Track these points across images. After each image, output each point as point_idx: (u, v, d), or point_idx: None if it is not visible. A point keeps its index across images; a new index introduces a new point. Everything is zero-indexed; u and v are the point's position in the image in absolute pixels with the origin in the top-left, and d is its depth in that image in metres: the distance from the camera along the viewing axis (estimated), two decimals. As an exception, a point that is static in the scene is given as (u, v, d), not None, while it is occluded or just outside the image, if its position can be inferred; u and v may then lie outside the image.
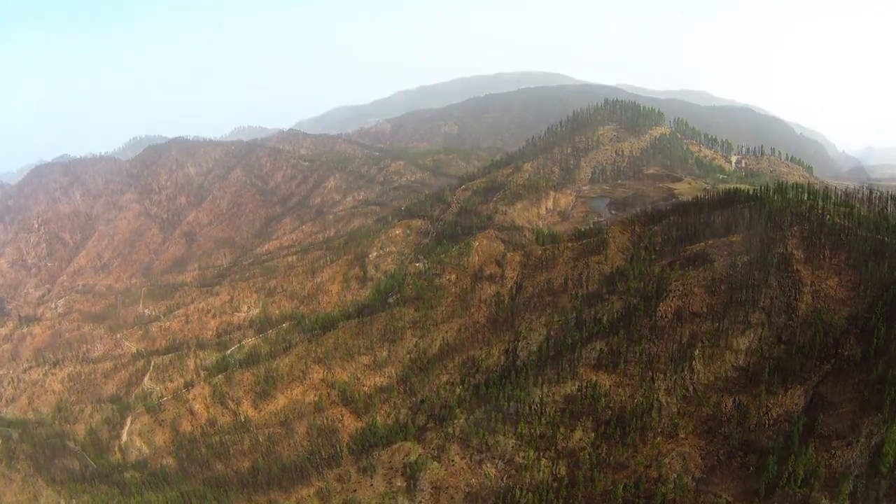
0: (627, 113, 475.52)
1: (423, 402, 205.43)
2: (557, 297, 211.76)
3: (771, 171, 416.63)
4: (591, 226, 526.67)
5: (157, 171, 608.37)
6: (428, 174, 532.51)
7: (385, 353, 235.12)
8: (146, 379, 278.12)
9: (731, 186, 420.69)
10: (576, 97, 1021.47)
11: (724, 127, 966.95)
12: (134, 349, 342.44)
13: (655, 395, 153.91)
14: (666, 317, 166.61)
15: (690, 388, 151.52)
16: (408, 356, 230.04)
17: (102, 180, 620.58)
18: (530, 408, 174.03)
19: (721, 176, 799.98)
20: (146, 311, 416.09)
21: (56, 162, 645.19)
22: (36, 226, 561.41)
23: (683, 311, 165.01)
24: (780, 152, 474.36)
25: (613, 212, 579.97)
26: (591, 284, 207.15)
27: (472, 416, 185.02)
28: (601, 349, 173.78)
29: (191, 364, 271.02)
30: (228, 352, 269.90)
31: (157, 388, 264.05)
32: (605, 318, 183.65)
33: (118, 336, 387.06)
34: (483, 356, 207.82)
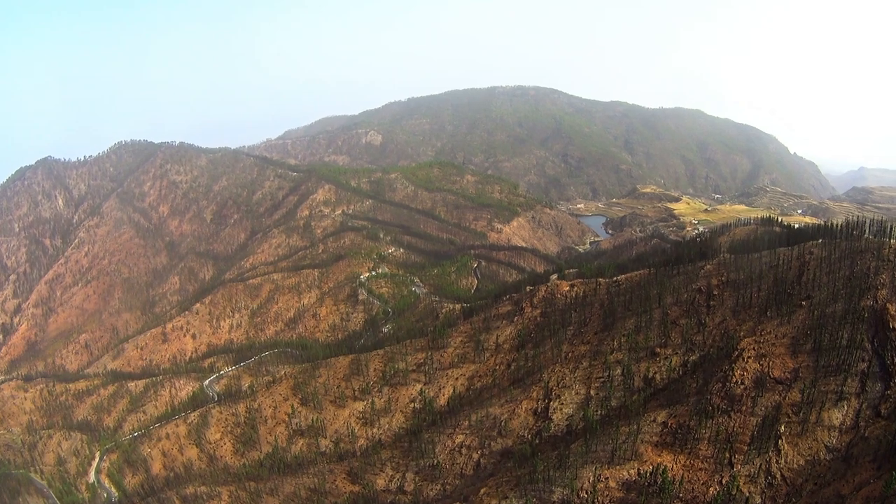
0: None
1: (435, 468, 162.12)
2: (595, 347, 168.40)
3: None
4: (589, 245, 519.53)
5: (141, 177, 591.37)
6: (421, 189, 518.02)
7: (384, 401, 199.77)
8: (119, 406, 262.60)
9: (785, 219, 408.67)
10: (570, 113, 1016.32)
11: (721, 145, 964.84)
12: (109, 367, 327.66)
13: (736, 484, 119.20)
14: (743, 383, 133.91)
15: (777, 475, 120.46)
16: (411, 405, 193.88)
17: (85, 185, 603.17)
18: (579, 496, 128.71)
19: (716, 196, 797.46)
20: (123, 325, 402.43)
21: (40, 164, 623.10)
22: (17, 230, 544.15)
23: (764, 376, 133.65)
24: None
25: (610, 231, 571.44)
26: (639, 331, 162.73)
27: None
28: (665, 422, 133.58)
29: (165, 394, 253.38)
30: (206, 382, 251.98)
31: (129, 420, 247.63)
32: (657, 376, 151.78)
33: (93, 353, 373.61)
34: (506, 416, 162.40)
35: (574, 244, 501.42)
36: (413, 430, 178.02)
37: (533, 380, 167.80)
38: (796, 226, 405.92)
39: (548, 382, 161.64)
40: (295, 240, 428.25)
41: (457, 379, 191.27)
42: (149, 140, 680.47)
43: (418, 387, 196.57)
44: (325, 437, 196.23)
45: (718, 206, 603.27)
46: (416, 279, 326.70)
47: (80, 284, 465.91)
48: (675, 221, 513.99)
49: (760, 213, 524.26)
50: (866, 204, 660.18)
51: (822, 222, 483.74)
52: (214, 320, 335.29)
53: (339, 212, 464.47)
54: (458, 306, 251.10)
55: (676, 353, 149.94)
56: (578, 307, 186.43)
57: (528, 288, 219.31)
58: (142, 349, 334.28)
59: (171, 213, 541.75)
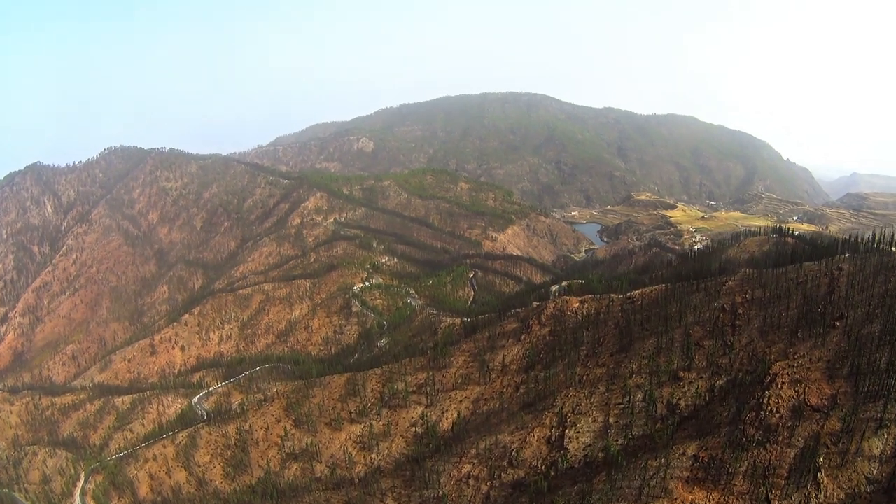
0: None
1: (440, 500, 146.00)
2: (612, 370, 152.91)
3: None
4: (584, 253, 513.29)
5: (130, 184, 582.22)
6: (414, 196, 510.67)
7: (382, 424, 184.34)
8: (105, 423, 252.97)
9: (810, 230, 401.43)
10: (562, 119, 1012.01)
11: (715, 151, 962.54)
12: (96, 379, 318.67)
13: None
14: (778, 411, 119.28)
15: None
16: (412, 430, 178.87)
17: (75, 191, 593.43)
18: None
19: (711, 203, 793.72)
20: (111, 335, 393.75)
21: (28, 169, 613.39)
22: (4, 236, 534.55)
23: (800, 403, 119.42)
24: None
25: (606, 239, 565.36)
26: (659, 353, 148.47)
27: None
28: (696, 455, 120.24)
29: (153, 411, 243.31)
30: (195, 399, 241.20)
31: (116, 438, 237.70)
32: (682, 403, 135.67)
33: (80, 364, 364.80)
34: (517, 444, 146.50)
35: (569, 252, 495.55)
36: (415, 457, 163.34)
37: (545, 405, 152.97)
38: (796, 233, 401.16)
39: (562, 408, 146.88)
40: (286, 248, 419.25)
41: (461, 402, 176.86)
42: (139, 146, 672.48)
43: (419, 409, 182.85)
44: (321, 463, 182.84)
45: (715, 214, 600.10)
46: (412, 290, 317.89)
47: (67, 293, 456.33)
48: (672, 229, 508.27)
49: (758, 221, 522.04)
50: (862, 210, 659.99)
51: (821, 229, 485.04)
52: (204, 332, 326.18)
53: (332, 220, 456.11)
54: (457, 321, 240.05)
55: (702, 377, 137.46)
56: (591, 326, 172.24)
57: (534, 304, 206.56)
58: (129, 361, 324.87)
59: (161, 220, 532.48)
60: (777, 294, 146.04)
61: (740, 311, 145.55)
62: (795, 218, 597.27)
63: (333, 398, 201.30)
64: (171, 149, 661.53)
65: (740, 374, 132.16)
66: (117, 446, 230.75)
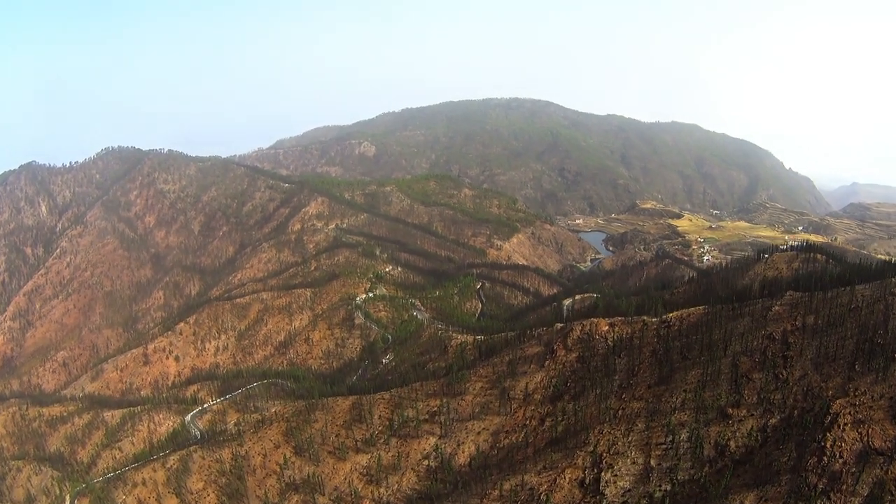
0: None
1: None
2: (652, 404, 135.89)
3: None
4: (590, 262, 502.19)
5: (127, 186, 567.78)
6: (417, 203, 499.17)
7: (391, 455, 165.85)
8: (94, 439, 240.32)
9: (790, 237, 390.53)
10: (566, 126, 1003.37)
11: (718, 160, 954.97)
12: (87, 389, 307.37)
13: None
14: (841, 456, 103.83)
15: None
16: (424, 463, 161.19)
17: (70, 192, 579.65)
18: None
19: (715, 212, 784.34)
20: (103, 342, 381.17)
21: (23, 169, 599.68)
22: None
23: (864, 447, 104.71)
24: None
25: (611, 248, 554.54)
26: (704, 386, 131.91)
27: None
28: None
29: (143, 429, 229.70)
30: (188, 417, 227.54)
31: (104, 457, 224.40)
32: (731, 444, 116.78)
33: (71, 372, 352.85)
34: (545, 486, 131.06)
35: (575, 262, 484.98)
36: (429, 495, 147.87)
37: (576, 442, 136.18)
38: (804, 242, 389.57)
39: (596, 447, 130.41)
40: (286, 255, 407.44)
41: (479, 433, 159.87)
42: (137, 147, 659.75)
43: (432, 440, 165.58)
44: (324, 495, 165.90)
45: (721, 223, 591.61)
46: (417, 302, 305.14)
47: (60, 297, 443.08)
48: (679, 239, 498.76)
49: (765, 232, 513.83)
50: (866, 221, 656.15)
51: (830, 240, 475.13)
52: (199, 342, 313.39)
53: (333, 226, 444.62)
54: (469, 338, 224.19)
55: (752, 414, 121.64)
56: (624, 352, 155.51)
57: (558, 325, 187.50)
58: (122, 371, 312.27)
59: (158, 223, 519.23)
60: (829, 321, 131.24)
61: (791, 341, 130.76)
62: (801, 228, 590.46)
63: (337, 424, 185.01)
64: (170, 150, 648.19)
65: (795, 411, 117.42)
66: (105, 466, 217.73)
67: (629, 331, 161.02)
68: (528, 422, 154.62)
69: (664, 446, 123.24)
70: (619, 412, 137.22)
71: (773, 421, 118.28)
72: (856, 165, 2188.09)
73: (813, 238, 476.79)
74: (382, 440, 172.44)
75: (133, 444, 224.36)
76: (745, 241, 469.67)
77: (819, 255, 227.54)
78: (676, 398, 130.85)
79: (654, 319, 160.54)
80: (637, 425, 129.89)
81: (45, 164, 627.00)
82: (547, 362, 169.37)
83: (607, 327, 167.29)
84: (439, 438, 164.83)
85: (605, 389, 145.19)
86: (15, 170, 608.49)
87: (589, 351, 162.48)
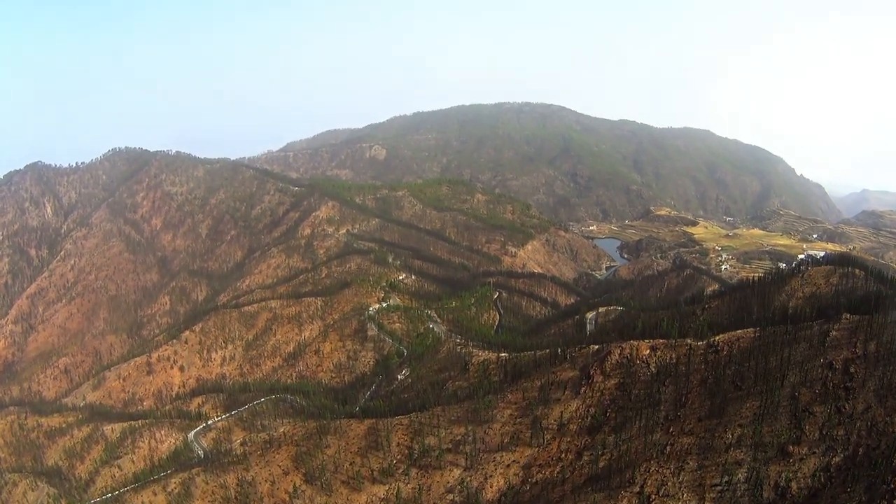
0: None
1: None
2: (704, 440, 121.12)
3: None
4: (605, 270, 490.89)
5: (134, 187, 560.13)
6: (430, 208, 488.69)
7: (411, 487, 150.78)
8: (93, 454, 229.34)
9: (808, 246, 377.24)
10: (578, 131, 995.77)
11: (731, 166, 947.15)
12: (88, 398, 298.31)
13: None
14: None
15: None
16: (448, 497, 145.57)
17: (76, 193, 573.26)
18: None
19: (728, 219, 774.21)
20: (106, 349, 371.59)
21: (29, 169, 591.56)
22: (1, 237, 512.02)
23: None
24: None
25: (626, 256, 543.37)
26: (761, 420, 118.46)
27: None
28: None
29: (144, 446, 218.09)
30: (192, 434, 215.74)
31: (103, 474, 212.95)
32: (794, 485, 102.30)
33: (73, 379, 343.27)
34: None
35: (590, 269, 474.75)
36: None
37: (620, 481, 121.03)
38: (821, 255, 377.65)
39: (643, 487, 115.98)
40: (296, 261, 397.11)
41: (508, 466, 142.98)
42: (144, 148, 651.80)
43: (457, 472, 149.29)
44: None
45: (738, 231, 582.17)
46: (433, 313, 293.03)
47: (63, 301, 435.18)
48: (696, 247, 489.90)
49: (781, 240, 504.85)
50: (881, 229, 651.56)
51: (849, 249, 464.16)
52: (205, 351, 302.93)
53: (344, 231, 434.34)
54: (491, 355, 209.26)
55: (814, 452, 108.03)
56: (669, 379, 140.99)
57: (593, 347, 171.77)
58: (124, 380, 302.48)
59: (165, 226, 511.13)
60: (890, 348, 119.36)
61: (853, 370, 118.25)
62: (815, 236, 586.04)
63: (352, 451, 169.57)
64: (178, 152, 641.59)
65: (860, 449, 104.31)
66: (104, 485, 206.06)
67: (673, 355, 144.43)
68: (563, 455, 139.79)
69: (719, 488, 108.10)
70: (668, 448, 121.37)
71: (836, 460, 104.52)
72: (861, 170, 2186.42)
73: (830, 247, 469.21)
74: (401, 470, 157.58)
75: (133, 462, 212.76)
76: (762, 249, 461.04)
77: (857, 270, 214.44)
78: (731, 433, 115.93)
79: (700, 343, 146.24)
80: (688, 463, 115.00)
81: (51, 165, 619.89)
82: (583, 389, 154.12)
83: (648, 351, 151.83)
84: (464, 470, 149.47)
85: (651, 421, 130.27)
86: (20, 169, 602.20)
87: (630, 377, 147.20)
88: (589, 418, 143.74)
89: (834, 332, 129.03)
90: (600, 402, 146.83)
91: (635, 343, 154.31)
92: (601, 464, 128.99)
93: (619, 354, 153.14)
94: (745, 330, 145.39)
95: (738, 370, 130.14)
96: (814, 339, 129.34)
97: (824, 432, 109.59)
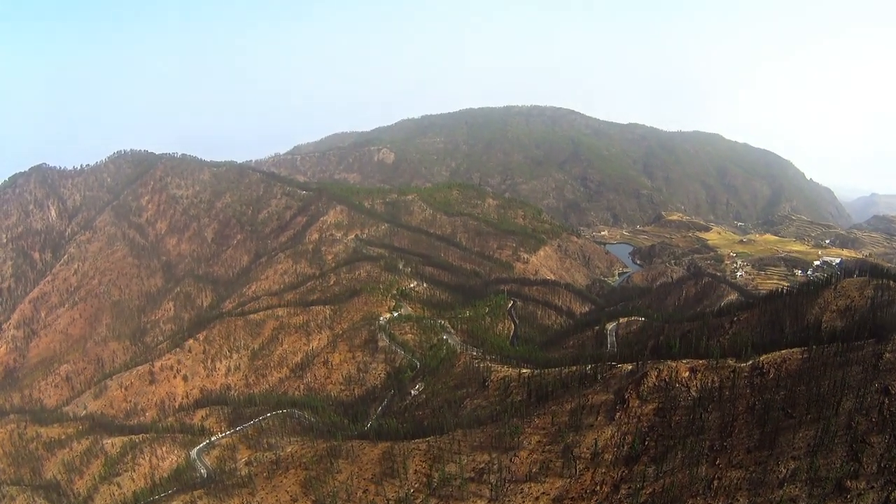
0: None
1: None
2: (754, 473, 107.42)
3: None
4: (618, 277, 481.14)
5: (139, 190, 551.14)
6: (440, 213, 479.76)
7: None
8: (92, 469, 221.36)
9: (823, 252, 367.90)
10: (587, 135, 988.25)
11: (741, 170, 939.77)
12: (89, 407, 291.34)
13: None
14: None
15: None
16: None
17: (81, 196, 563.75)
18: None
19: (739, 224, 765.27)
20: (109, 356, 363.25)
21: (33, 171, 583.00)
22: (4, 240, 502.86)
23: None
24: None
25: (639, 262, 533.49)
26: (816, 452, 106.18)
27: None
28: None
29: (145, 464, 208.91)
30: (194, 452, 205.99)
31: (102, 491, 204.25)
32: None
33: (74, 387, 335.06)
34: None
35: (603, 276, 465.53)
36: None
37: None
38: (836, 261, 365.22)
39: None
40: (303, 266, 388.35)
41: (537, 499, 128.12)
42: (150, 150, 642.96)
43: None
44: None
45: (751, 237, 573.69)
46: (447, 323, 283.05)
47: (66, 306, 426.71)
48: (711, 254, 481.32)
49: (795, 246, 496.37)
50: (893, 234, 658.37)
51: (864, 256, 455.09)
52: (209, 360, 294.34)
53: (352, 236, 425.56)
54: (512, 371, 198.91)
55: (872, 486, 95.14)
56: (713, 405, 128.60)
57: (625, 366, 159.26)
58: (126, 389, 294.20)
59: (170, 230, 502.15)
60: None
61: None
62: (828, 242, 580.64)
63: (365, 477, 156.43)
64: (184, 155, 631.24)
65: None
66: (102, 503, 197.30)
67: (715, 378, 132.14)
68: (598, 487, 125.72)
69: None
70: (715, 482, 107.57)
71: (895, 495, 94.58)
72: (870, 174, 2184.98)
73: (845, 253, 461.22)
74: (420, 500, 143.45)
75: (133, 479, 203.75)
76: (777, 255, 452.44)
77: (892, 283, 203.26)
78: (784, 467, 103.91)
79: (744, 364, 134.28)
80: (738, 500, 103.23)
81: (55, 167, 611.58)
82: (618, 414, 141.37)
83: (688, 373, 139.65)
84: (489, 502, 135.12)
85: (694, 452, 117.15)
86: (24, 172, 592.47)
87: (669, 402, 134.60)
88: (626, 447, 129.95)
89: (888, 354, 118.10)
90: (638, 430, 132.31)
91: (673, 364, 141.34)
92: (642, 498, 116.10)
93: (657, 377, 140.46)
94: (791, 350, 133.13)
95: (787, 395, 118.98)
96: (867, 362, 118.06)
97: (882, 465, 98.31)
